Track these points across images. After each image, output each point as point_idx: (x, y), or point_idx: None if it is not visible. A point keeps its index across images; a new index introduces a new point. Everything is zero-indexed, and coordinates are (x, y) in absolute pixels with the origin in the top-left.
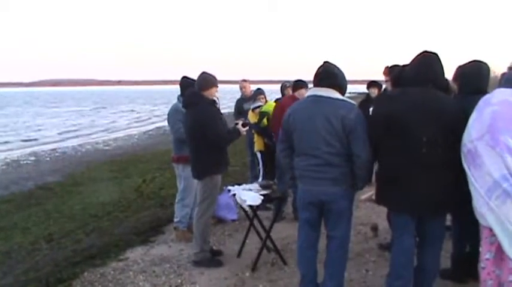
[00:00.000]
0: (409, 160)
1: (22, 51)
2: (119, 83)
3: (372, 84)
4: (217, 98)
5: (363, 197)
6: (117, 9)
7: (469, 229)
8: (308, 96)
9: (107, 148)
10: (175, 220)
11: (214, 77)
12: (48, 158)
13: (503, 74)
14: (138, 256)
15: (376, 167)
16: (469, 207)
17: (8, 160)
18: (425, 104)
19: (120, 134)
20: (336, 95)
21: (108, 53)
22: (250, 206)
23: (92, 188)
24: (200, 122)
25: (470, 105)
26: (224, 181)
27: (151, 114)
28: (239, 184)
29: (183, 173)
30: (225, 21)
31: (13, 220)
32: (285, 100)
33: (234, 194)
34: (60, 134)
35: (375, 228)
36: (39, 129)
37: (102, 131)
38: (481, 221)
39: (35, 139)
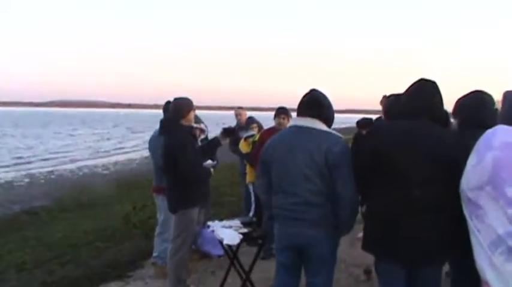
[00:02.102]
0: (398, 202)
1: (33, 71)
2: (129, 106)
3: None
4: (206, 126)
5: (359, 234)
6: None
7: (468, 281)
8: (290, 127)
9: (105, 172)
10: (154, 254)
11: (188, 101)
12: (42, 181)
13: (507, 94)
14: None
15: (363, 207)
16: (470, 255)
17: (1, 181)
18: (417, 138)
19: (122, 157)
20: (321, 126)
21: (120, 77)
22: (229, 246)
23: (78, 214)
24: (170, 151)
25: (471, 141)
26: (219, 213)
27: None
28: (233, 217)
29: (162, 204)
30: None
31: None
32: (265, 132)
33: (213, 231)
34: (59, 154)
35: (368, 271)
36: (40, 151)
37: (105, 153)
38: (481, 274)
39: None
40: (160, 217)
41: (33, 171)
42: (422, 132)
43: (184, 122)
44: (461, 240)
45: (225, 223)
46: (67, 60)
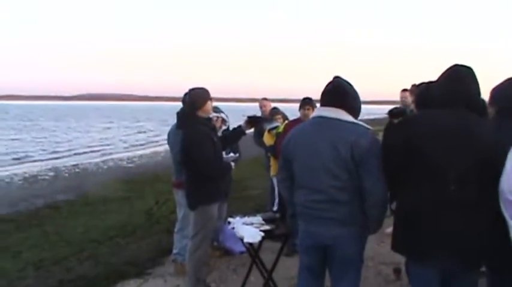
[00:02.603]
0: (432, 199)
1: (62, 65)
2: (157, 99)
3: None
4: (227, 116)
5: (388, 230)
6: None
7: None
8: (313, 118)
9: (130, 165)
10: (174, 251)
11: (203, 91)
12: (66, 174)
13: None
14: None
15: (393, 204)
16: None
17: (26, 175)
18: (455, 130)
19: (147, 151)
20: (346, 116)
21: (148, 70)
22: (250, 244)
23: (101, 209)
24: (187, 146)
25: (509, 132)
26: (243, 207)
27: None
28: (257, 211)
29: (182, 200)
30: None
31: (7, 242)
32: (289, 124)
33: (234, 228)
34: (87, 148)
35: (398, 270)
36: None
37: (132, 147)
38: None
39: (56, 152)
40: (180, 212)
41: (58, 165)
42: (459, 122)
43: (201, 113)
44: (500, 243)
45: (246, 219)
46: (93, 54)
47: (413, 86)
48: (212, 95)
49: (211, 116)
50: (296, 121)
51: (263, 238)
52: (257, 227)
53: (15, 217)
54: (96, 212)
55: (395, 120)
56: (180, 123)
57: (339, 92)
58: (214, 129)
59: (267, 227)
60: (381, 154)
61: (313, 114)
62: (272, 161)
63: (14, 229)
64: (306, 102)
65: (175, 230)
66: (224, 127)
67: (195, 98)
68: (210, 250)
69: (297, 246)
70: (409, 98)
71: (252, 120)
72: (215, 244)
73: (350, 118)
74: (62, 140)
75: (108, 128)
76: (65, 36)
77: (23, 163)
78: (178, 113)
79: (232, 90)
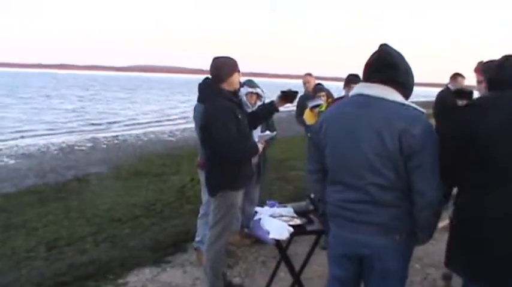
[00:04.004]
0: (502, 205)
1: (114, 35)
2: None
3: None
4: (262, 91)
5: (441, 224)
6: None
7: None
8: (352, 96)
9: (171, 138)
10: (197, 239)
11: (230, 60)
12: (104, 145)
13: None
14: (141, 282)
15: (450, 209)
16: None
17: (64, 145)
18: None
19: (190, 124)
20: (395, 96)
21: (202, 41)
22: (276, 240)
23: (131, 184)
24: (207, 122)
25: None
26: (283, 189)
27: None
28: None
29: None
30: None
31: (26, 216)
32: (332, 103)
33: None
34: (130, 120)
35: (448, 277)
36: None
37: (176, 119)
38: None
39: (99, 124)
40: (204, 196)
41: (98, 135)
42: None
43: (225, 86)
44: None
45: (275, 210)
46: (147, 25)
47: (480, 63)
48: (248, 69)
49: (246, 91)
50: (340, 100)
51: (292, 234)
52: (286, 221)
53: (41, 189)
54: (125, 187)
55: (460, 102)
56: (202, 97)
57: (387, 64)
58: (240, 105)
59: (297, 222)
60: (437, 145)
61: (353, 91)
62: None
63: (37, 202)
64: (351, 79)
65: (199, 215)
66: (259, 103)
67: (220, 69)
68: (239, 238)
69: None
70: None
71: (286, 96)
72: (246, 231)
73: (399, 98)
74: (108, 110)
75: (158, 100)
76: (124, 4)
77: (62, 132)
78: (200, 85)
79: (270, 64)
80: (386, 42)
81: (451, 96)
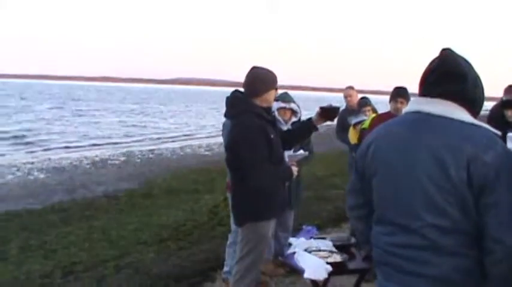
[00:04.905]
0: None
1: (156, 48)
2: None
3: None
4: (298, 107)
5: None
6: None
7: None
8: (407, 114)
9: (207, 153)
10: (225, 269)
11: (269, 74)
12: (138, 160)
13: None
14: None
15: None
16: None
17: (97, 158)
18: None
19: None
20: (462, 114)
21: (240, 54)
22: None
23: (161, 203)
24: (233, 141)
25: None
26: (322, 209)
27: None
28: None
29: None
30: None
31: (47, 237)
32: (377, 119)
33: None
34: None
35: None
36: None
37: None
38: None
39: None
40: (233, 222)
41: (133, 148)
42: None
43: (258, 102)
44: None
45: (312, 242)
46: (186, 39)
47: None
48: (284, 81)
49: (278, 106)
50: (386, 115)
51: (330, 273)
52: (324, 258)
53: (67, 206)
54: (155, 205)
55: (510, 113)
56: (230, 112)
57: (452, 74)
58: (273, 123)
59: (337, 258)
60: None
61: (407, 108)
62: None
63: (60, 222)
64: (399, 93)
65: (228, 243)
66: (294, 119)
67: (257, 82)
68: (273, 267)
69: None
70: None
71: (326, 112)
72: (280, 259)
73: (467, 117)
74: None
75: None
76: (164, 17)
77: (99, 145)
78: (228, 98)
79: (307, 77)
80: (449, 47)
81: (498, 108)
